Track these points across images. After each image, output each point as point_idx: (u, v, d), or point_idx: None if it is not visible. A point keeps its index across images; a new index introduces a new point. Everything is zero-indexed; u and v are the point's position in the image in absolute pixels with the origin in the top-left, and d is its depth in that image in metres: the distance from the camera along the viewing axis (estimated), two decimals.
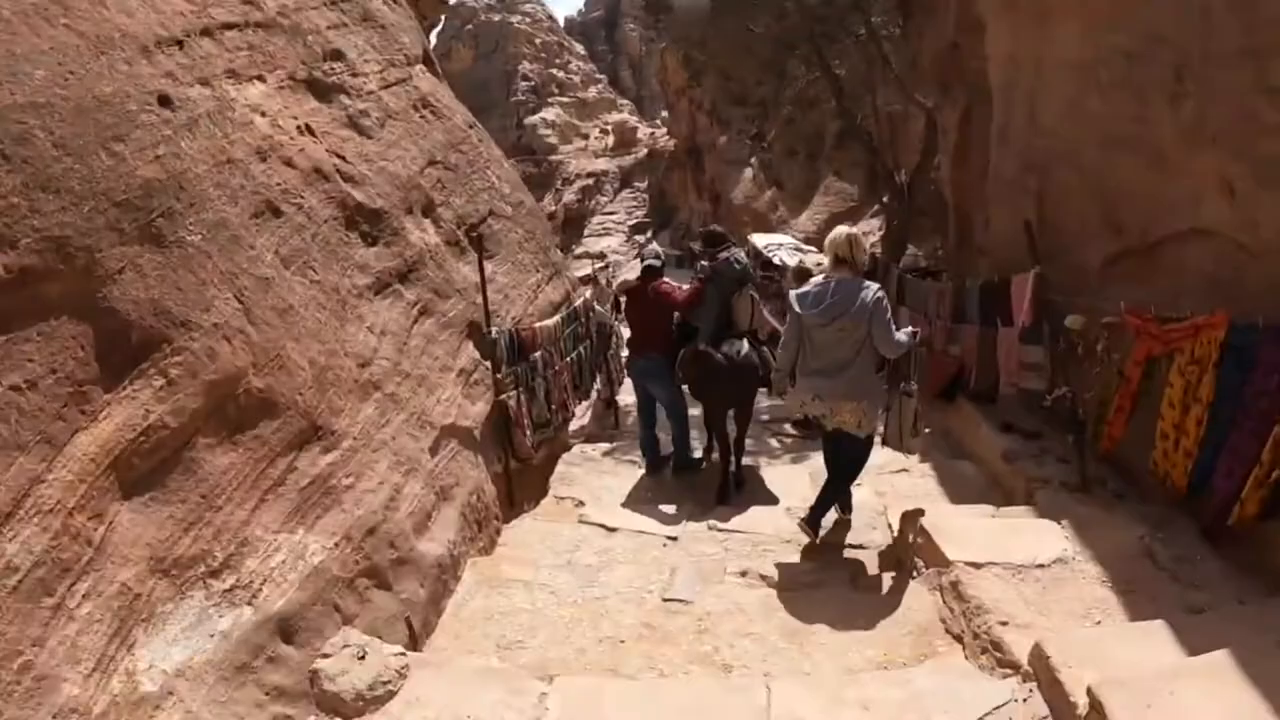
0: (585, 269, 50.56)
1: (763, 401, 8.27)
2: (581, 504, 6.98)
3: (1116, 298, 5.46)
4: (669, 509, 6.64)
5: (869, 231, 18.92)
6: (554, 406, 7.70)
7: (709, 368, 6.44)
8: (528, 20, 72.62)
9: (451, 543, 5.16)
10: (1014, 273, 6.76)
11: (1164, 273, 5.44)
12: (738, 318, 6.76)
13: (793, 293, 5.26)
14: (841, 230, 5.34)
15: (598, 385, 9.79)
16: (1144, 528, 4.78)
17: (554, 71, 70.12)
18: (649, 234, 51.96)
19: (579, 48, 75.69)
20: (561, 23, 79.07)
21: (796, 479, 7.27)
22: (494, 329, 6.48)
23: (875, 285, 5.04)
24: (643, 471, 7.71)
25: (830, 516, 5.73)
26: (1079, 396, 5.70)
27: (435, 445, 5.38)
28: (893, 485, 6.97)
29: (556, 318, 8.15)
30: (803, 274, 10.38)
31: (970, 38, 10.39)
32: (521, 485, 7.00)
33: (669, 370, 6.98)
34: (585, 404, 9.74)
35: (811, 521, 5.42)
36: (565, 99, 67.84)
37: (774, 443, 8.70)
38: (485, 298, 6.37)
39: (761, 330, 6.95)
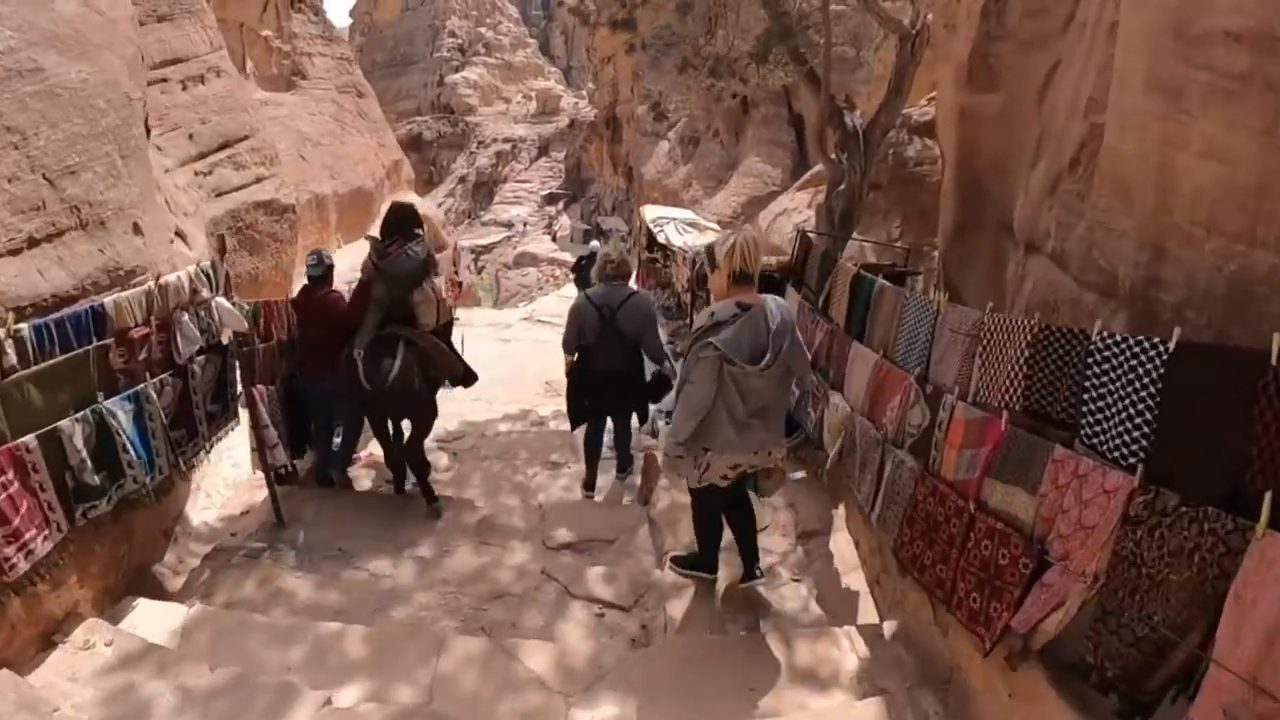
0: (493, 236, 45.55)
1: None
2: None
3: None
4: None
5: (795, 209, 13.72)
6: None
7: (358, 386, 5.03)
8: None
9: None
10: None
11: None
12: (421, 319, 5.15)
13: (716, 340, 3.41)
14: (739, 236, 3.60)
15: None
16: None
17: (483, 30, 63.43)
18: (560, 205, 46.55)
19: (512, 9, 68.99)
20: None
21: None
22: None
23: (778, 299, 3.67)
24: None
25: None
26: None
27: None
28: None
29: None
30: (608, 265, 5.46)
31: None
32: None
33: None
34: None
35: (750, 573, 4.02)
36: (491, 60, 61.32)
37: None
38: None
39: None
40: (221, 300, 4.86)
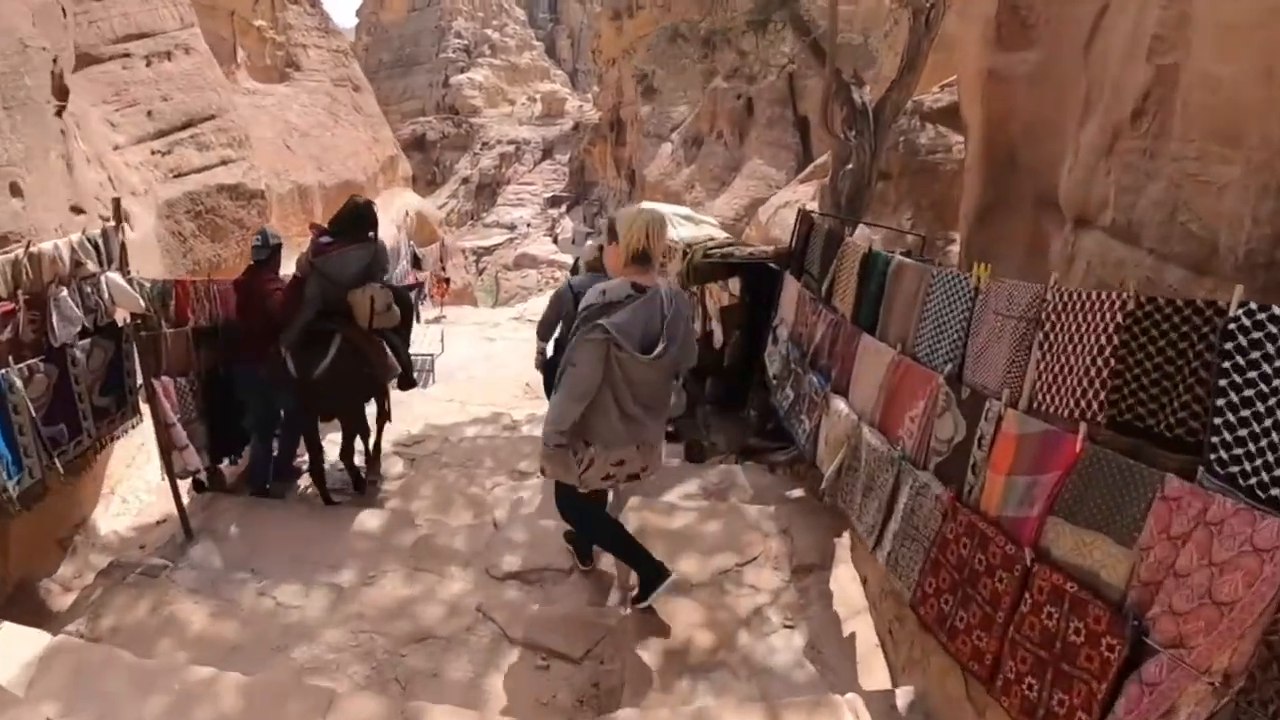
0: (495, 238, 44.76)
1: None
2: None
3: None
4: None
5: (797, 201, 12.93)
6: None
7: (284, 382, 4.69)
8: None
9: None
10: None
11: None
12: (357, 315, 4.73)
13: (606, 323, 3.03)
14: (646, 214, 3.27)
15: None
16: None
17: (489, 32, 62.91)
18: (563, 207, 45.86)
19: (519, 11, 68.59)
20: None
21: None
22: None
23: (672, 284, 3.39)
24: None
25: None
26: None
27: None
28: None
29: None
30: (595, 253, 5.41)
31: None
32: None
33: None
34: None
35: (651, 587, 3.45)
36: (497, 61, 60.79)
37: None
38: None
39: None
40: (114, 275, 4.08)
